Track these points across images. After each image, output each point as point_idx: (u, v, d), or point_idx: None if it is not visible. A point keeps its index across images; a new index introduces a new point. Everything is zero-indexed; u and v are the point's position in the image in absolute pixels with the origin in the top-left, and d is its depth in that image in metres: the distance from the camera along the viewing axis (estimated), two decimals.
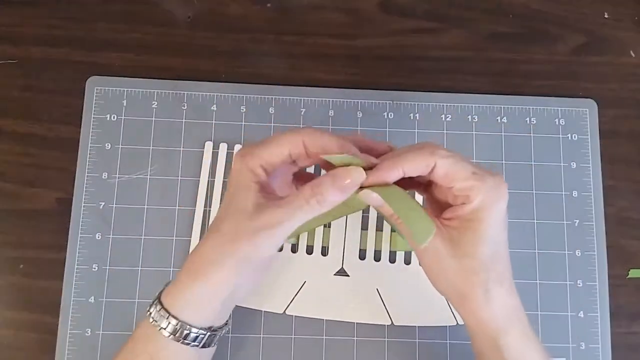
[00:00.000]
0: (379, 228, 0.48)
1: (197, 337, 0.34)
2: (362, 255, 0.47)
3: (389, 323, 0.46)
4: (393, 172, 0.33)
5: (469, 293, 0.33)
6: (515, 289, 0.35)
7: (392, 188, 0.33)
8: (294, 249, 0.47)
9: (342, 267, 0.47)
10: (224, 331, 0.36)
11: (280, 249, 0.47)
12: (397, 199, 0.33)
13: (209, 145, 0.48)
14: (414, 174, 0.33)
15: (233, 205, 0.34)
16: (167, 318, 0.33)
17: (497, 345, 0.34)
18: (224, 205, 0.35)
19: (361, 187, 0.34)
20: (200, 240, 0.35)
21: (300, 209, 0.32)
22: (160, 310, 0.34)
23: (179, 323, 0.33)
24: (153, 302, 0.35)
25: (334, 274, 0.47)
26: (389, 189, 0.33)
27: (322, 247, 0.47)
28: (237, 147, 0.48)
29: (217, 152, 0.48)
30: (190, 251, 0.34)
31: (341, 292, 0.46)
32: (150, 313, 0.35)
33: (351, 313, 0.46)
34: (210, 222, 0.44)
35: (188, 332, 0.33)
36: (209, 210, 0.47)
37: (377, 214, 0.48)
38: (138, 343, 0.35)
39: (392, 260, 0.47)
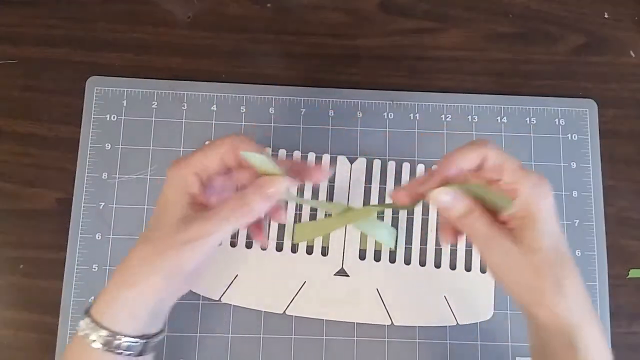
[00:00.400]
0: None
1: (129, 345, 0.33)
2: (362, 256, 0.47)
3: (389, 323, 0.46)
4: (450, 167, 0.34)
5: (542, 287, 0.33)
6: (585, 288, 0.34)
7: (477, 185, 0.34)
8: (294, 250, 0.47)
9: (342, 267, 0.47)
10: (159, 338, 0.36)
11: (280, 250, 0.47)
12: (470, 186, 0.33)
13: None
14: (468, 166, 0.34)
15: (162, 215, 0.34)
16: (98, 330, 0.33)
17: (571, 342, 0.33)
18: (155, 213, 0.35)
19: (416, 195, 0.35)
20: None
21: (227, 221, 0.33)
22: (90, 322, 0.33)
23: (110, 333, 0.33)
24: (82, 315, 0.35)
25: (334, 274, 0.47)
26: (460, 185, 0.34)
27: (322, 247, 0.47)
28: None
29: None
30: (121, 261, 0.35)
31: (341, 292, 0.46)
32: (80, 326, 0.34)
33: (351, 313, 0.46)
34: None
35: (119, 341, 0.33)
36: None
37: (376, 214, 0.48)
38: (71, 359, 0.35)
39: (392, 260, 0.47)
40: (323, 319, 0.46)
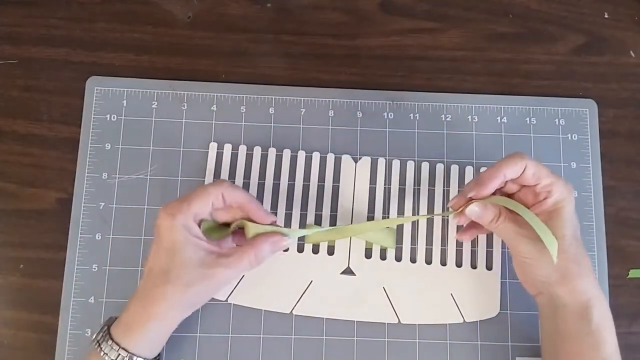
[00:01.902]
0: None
1: None
2: (368, 254, 0.47)
3: (396, 321, 0.46)
4: (496, 179, 0.41)
5: (567, 268, 0.40)
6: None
7: (516, 203, 0.41)
8: (301, 249, 0.47)
9: (349, 266, 0.47)
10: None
11: (286, 250, 0.47)
12: (525, 211, 0.40)
13: (213, 146, 0.48)
14: (512, 176, 0.41)
15: (175, 258, 0.39)
16: (118, 350, 0.38)
17: (585, 315, 0.40)
18: (162, 255, 0.39)
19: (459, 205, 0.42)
20: (144, 284, 0.40)
21: (245, 269, 0.40)
22: (111, 344, 0.38)
23: (129, 355, 0.38)
24: (101, 334, 0.39)
25: (341, 273, 0.47)
26: (515, 203, 0.41)
27: (329, 246, 0.47)
28: (242, 148, 0.48)
29: (222, 152, 0.49)
30: (135, 294, 0.40)
31: (348, 291, 0.46)
32: (100, 346, 0.39)
33: (358, 312, 0.46)
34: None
35: None
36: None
37: (382, 215, 0.48)
38: None
39: (398, 258, 0.47)
40: (324, 318, 0.46)
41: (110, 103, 0.49)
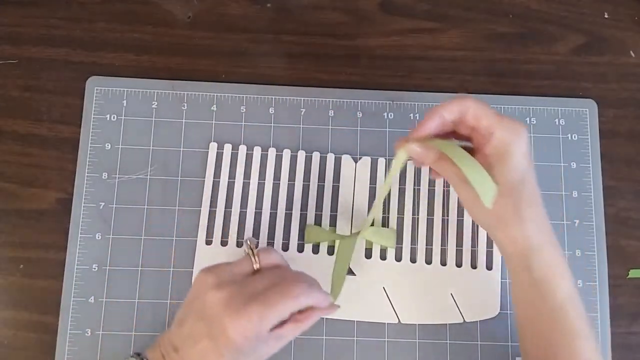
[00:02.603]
0: (384, 225, 0.48)
1: None
2: (368, 255, 0.47)
3: (396, 321, 0.46)
4: (431, 120, 0.38)
5: (504, 214, 0.38)
6: (547, 217, 0.39)
7: (452, 145, 0.38)
8: (301, 249, 0.47)
9: (349, 266, 0.47)
10: None
11: (286, 250, 0.47)
12: (461, 156, 0.37)
13: (213, 146, 0.48)
14: (451, 117, 0.38)
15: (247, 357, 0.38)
16: None
17: (529, 265, 0.38)
18: (226, 353, 0.37)
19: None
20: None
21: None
22: None
23: None
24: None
25: None
26: (450, 145, 0.38)
27: (329, 246, 0.47)
28: (242, 147, 0.48)
29: (222, 152, 0.49)
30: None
31: (348, 291, 0.46)
32: None
33: (358, 312, 0.46)
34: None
35: None
36: (215, 211, 0.47)
37: (382, 213, 0.48)
38: None
39: (398, 258, 0.47)
40: (324, 318, 0.46)
41: (110, 103, 0.49)
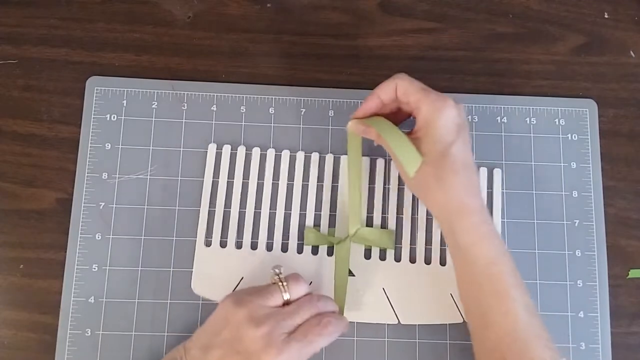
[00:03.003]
0: (384, 225, 0.48)
1: None
2: (367, 255, 0.47)
3: (396, 322, 0.46)
4: (370, 100, 0.43)
5: (428, 181, 0.41)
6: (475, 186, 0.41)
7: (383, 121, 0.42)
8: (300, 250, 0.47)
9: (348, 267, 0.47)
10: None
11: (286, 251, 0.47)
12: (388, 131, 0.41)
13: (212, 148, 0.48)
14: (387, 97, 0.43)
15: None
16: None
17: (452, 229, 0.41)
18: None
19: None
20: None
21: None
22: None
23: None
24: None
25: None
26: (381, 122, 0.42)
27: (328, 247, 0.47)
28: (241, 148, 0.48)
29: (220, 152, 0.48)
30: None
31: (348, 292, 0.46)
32: None
33: (358, 313, 0.46)
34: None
35: None
36: (214, 211, 0.47)
37: (380, 215, 0.48)
38: None
39: (398, 259, 0.47)
40: None
41: (110, 103, 0.49)
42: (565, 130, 0.51)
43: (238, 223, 0.47)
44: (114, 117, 0.49)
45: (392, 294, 0.46)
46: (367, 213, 0.48)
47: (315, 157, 0.49)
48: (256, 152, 0.48)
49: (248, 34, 0.52)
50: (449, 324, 0.46)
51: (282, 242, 0.47)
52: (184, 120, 0.49)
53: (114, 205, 0.47)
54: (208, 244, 0.47)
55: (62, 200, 0.48)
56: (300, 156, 0.49)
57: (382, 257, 0.47)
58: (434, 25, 0.53)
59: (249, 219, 0.47)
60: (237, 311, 0.39)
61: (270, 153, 0.48)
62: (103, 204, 0.47)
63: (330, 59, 0.52)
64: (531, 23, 0.53)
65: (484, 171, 0.49)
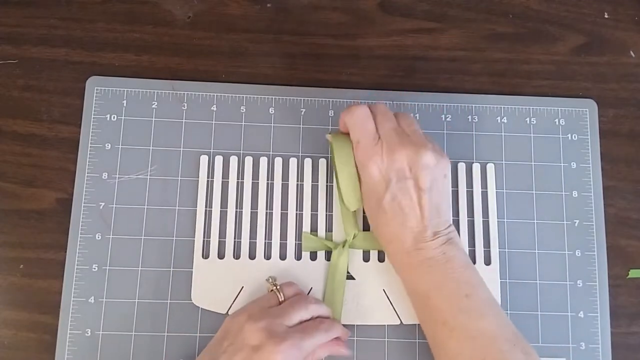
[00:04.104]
0: None
1: None
2: (366, 258, 0.47)
3: (398, 323, 0.46)
4: (340, 122, 0.44)
5: (371, 217, 0.44)
6: (413, 231, 0.41)
7: (342, 147, 0.43)
8: (298, 257, 0.47)
9: (347, 270, 0.47)
10: None
11: (284, 259, 0.47)
12: (340, 160, 0.43)
13: (204, 159, 0.48)
14: (344, 127, 0.44)
15: None
16: None
17: (391, 260, 0.44)
18: None
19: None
20: None
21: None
22: None
23: None
24: None
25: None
26: (339, 144, 0.43)
27: (326, 252, 0.47)
28: (233, 159, 0.48)
29: (213, 163, 0.48)
30: None
31: (348, 295, 0.46)
32: None
33: (360, 316, 0.46)
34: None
35: None
36: (210, 211, 0.47)
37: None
38: None
39: None
40: None
41: (110, 103, 0.49)
42: (565, 130, 0.51)
43: (235, 233, 0.47)
44: (114, 117, 0.49)
45: (392, 295, 0.46)
46: (364, 217, 0.47)
47: (308, 160, 0.49)
48: (249, 161, 0.48)
49: (248, 34, 0.52)
50: None
51: (280, 250, 0.47)
52: (184, 120, 0.49)
53: (114, 205, 0.47)
54: (206, 255, 0.47)
55: (62, 200, 0.48)
56: (293, 161, 0.48)
57: (381, 258, 0.47)
58: (434, 25, 0.53)
59: (245, 229, 0.47)
60: (236, 318, 0.40)
61: (263, 161, 0.48)
62: (103, 204, 0.47)
63: (330, 59, 0.52)
64: (531, 23, 0.53)
65: (477, 167, 0.49)
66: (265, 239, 0.47)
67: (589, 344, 0.46)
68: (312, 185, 0.48)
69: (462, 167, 0.49)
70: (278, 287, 0.43)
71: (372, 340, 0.46)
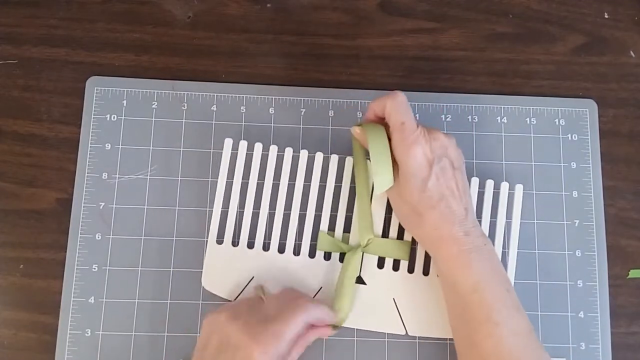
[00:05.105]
0: (400, 236, 0.47)
1: None
2: (380, 265, 0.46)
3: (404, 333, 0.46)
4: (369, 112, 0.44)
5: (409, 215, 0.42)
6: (459, 218, 0.41)
7: (377, 131, 0.42)
8: (312, 254, 0.47)
9: (360, 275, 0.46)
10: None
11: (298, 254, 0.47)
12: (375, 142, 0.42)
13: (228, 143, 0.47)
14: (379, 112, 0.43)
15: None
16: None
17: (434, 258, 0.43)
18: None
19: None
20: None
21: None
22: None
23: None
24: None
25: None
26: (374, 131, 0.42)
27: (341, 254, 0.47)
28: (257, 146, 0.47)
29: (236, 152, 0.47)
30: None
31: (357, 300, 0.46)
32: None
33: (366, 322, 0.46)
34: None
35: None
36: (226, 211, 0.47)
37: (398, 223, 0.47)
38: None
39: (411, 270, 0.46)
40: None
41: (110, 103, 0.49)
42: (565, 130, 0.51)
43: (251, 223, 0.47)
44: (114, 117, 0.49)
45: (402, 305, 0.46)
46: (384, 223, 0.47)
47: (334, 158, 0.48)
48: (273, 150, 0.47)
49: (248, 34, 0.52)
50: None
51: (294, 245, 0.47)
52: (184, 120, 0.49)
53: (114, 205, 0.47)
54: (220, 241, 0.46)
55: (62, 200, 0.48)
56: (302, 156, 0.48)
57: (396, 267, 0.46)
58: (434, 25, 0.53)
59: (262, 219, 0.47)
60: (216, 317, 0.40)
61: (272, 151, 0.48)
62: (103, 204, 0.47)
63: (330, 59, 0.52)
64: (531, 23, 0.53)
65: (505, 187, 0.47)
66: (280, 233, 0.47)
67: (589, 344, 0.47)
68: (319, 185, 0.47)
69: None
70: (264, 296, 0.43)
71: (372, 340, 0.46)
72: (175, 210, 0.48)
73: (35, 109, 0.50)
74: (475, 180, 0.48)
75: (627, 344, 0.47)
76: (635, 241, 0.49)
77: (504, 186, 0.48)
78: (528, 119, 0.51)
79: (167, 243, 0.47)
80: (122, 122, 0.49)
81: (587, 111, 0.51)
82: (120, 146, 0.48)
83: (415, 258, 0.47)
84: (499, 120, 0.51)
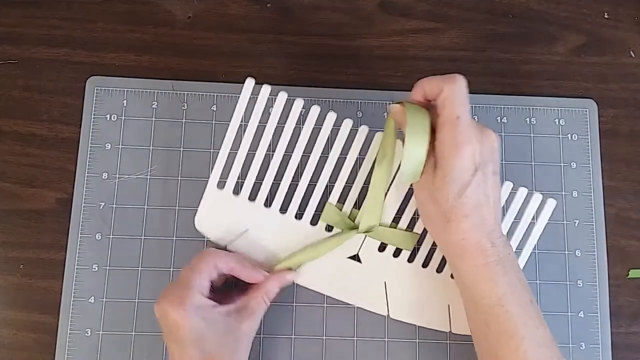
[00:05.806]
0: (410, 227, 0.46)
1: None
2: (381, 248, 0.46)
3: (385, 314, 0.45)
4: (416, 90, 0.40)
5: (436, 218, 0.39)
6: (490, 228, 0.38)
7: (418, 115, 0.39)
8: (314, 222, 0.45)
9: (358, 253, 0.46)
10: None
11: (300, 218, 0.45)
12: (414, 127, 0.38)
13: (249, 83, 0.45)
14: (430, 94, 0.39)
15: (211, 343, 0.38)
16: None
17: (456, 268, 0.40)
18: (195, 351, 0.37)
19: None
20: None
21: (262, 313, 0.41)
22: None
23: None
24: None
25: (347, 257, 0.45)
26: (416, 115, 0.39)
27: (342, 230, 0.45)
28: (282, 94, 0.45)
29: (256, 96, 0.45)
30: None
31: (349, 275, 0.45)
32: None
33: (351, 296, 0.45)
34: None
35: None
36: (235, 153, 0.44)
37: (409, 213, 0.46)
38: None
39: (411, 260, 0.46)
40: (324, 317, 0.46)
41: (110, 103, 0.49)
42: (565, 130, 0.51)
43: (257, 175, 0.45)
44: (114, 117, 0.49)
45: (391, 289, 0.45)
46: (397, 214, 0.46)
47: (363, 130, 0.45)
48: (298, 104, 0.45)
49: (248, 34, 0.52)
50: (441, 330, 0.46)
51: (298, 208, 0.45)
52: (184, 120, 0.49)
53: (114, 205, 0.47)
54: (221, 185, 0.45)
55: (62, 200, 0.48)
56: (346, 125, 0.45)
57: (396, 254, 0.46)
58: (434, 25, 0.53)
59: (270, 174, 0.45)
60: (157, 304, 0.39)
61: (314, 110, 0.45)
62: (103, 204, 0.47)
63: (330, 59, 0.52)
64: (531, 23, 0.53)
65: (537, 198, 0.45)
66: (285, 193, 0.45)
67: (589, 344, 0.47)
68: (356, 159, 0.45)
69: None
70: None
71: (372, 340, 0.46)
72: (175, 210, 0.48)
73: (35, 109, 0.50)
74: (508, 185, 0.45)
75: (627, 344, 0.47)
76: (635, 241, 0.49)
77: (536, 198, 0.45)
78: (528, 119, 0.51)
79: (167, 243, 0.47)
80: (122, 122, 0.49)
81: (587, 111, 0.51)
82: (120, 146, 0.48)
83: (418, 250, 0.46)
84: (499, 120, 0.51)
